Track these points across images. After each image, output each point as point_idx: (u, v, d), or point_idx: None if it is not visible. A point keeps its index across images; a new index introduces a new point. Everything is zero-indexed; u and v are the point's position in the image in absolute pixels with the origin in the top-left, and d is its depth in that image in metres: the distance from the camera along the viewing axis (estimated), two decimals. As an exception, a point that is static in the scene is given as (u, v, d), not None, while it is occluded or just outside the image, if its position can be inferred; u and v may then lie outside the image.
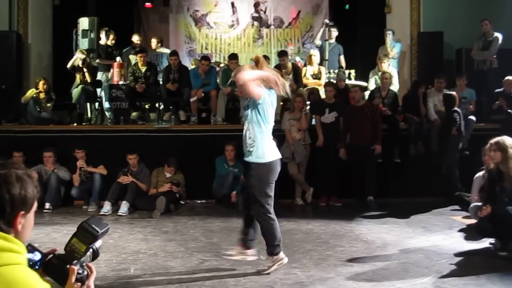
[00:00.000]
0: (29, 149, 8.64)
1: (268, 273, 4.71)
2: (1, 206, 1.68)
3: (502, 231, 5.35)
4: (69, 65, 9.84)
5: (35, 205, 1.78)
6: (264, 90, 4.66)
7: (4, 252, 1.59)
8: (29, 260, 1.76)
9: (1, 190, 1.70)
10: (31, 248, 1.81)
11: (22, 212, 1.72)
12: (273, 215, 4.72)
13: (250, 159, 4.68)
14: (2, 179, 1.72)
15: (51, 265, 1.80)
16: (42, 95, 9.50)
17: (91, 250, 1.86)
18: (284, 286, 4.47)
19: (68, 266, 1.79)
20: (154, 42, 11.52)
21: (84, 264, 1.83)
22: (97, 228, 1.79)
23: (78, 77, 9.89)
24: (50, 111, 9.61)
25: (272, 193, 4.73)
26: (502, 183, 5.42)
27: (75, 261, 1.80)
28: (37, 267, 1.81)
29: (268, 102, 4.68)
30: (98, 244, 1.89)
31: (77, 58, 9.77)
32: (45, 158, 8.41)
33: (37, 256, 1.82)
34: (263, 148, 4.66)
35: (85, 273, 1.81)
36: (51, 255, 1.83)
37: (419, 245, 5.84)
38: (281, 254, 4.79)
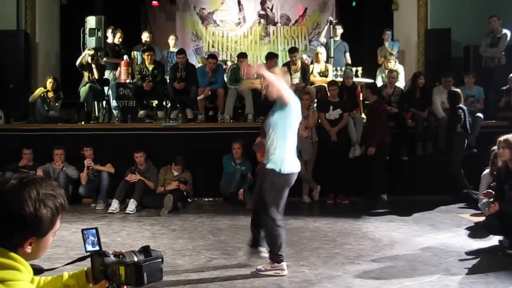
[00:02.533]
0: (37, 147, 8.70)
1: (261, 274, 4.68)
2: (8, 228, 1.60)
3: (510, 229, 5.33)
4: (77, 62, 9.87)
5: (56, 227, 1.70)
6: (293, 95, 4.65)
7: (9, 270, 1.58)
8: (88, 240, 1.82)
9: (13, 211, 1.58)
10: (96, 235, 1.85)
11: (33, 238, 1.64)
12: (279, 223, 4.68)
13: (268, 165, 4.67)
14: (16, 199, 1.59)
15: (94, 262, 1.83)
16: (50, 94, 9.55)
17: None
18: (292, 284, 4.48)
19: (103, 277, 1.81)
20: (172, 40, 11.55)
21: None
22: (145, 279, 1.73)
23: (86, 75, 9.94)
24: (58, 110, 9.65)
25: (281, 203, 4.73)
26: (511, 181, 5.40)
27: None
28: (87, 251, 1.84)
29: (295, 110, 4.67)
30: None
31: (86, 55, 9.81)
32: (56, 155, 8.45)
33: (95, 247, 1.85)
34: (283, 158, 4.63)
35: None
36: (104, 253, 1.83)
37: (427, 243, 5.84)
38: (283, 265, 4.73)
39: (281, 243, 4.69)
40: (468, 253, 5.40)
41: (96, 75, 9.85)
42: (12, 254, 1.61)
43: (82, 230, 1.86)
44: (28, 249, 1.64)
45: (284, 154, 4.64)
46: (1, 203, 1.59)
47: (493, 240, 5.75)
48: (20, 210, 1.58)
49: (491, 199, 5.78)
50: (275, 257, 4.70)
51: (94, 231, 1.85)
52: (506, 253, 5.33)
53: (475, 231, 6.33)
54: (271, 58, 9.87)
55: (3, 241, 1.61)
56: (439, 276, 4.63)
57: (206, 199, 8.86)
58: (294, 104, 4.65)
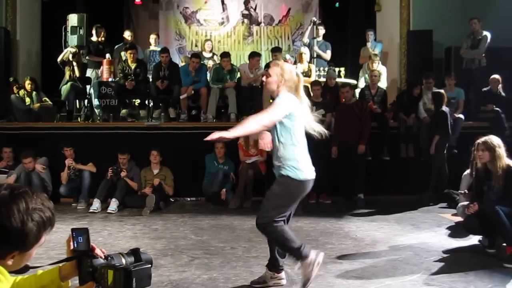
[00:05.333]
0: (18, 146, 8.58)
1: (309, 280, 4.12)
2: None
3: (489, 228, 5.40)
4: (59, 59, 9.78)
5: (41, 241, 1.68)
6: (289, 100, 4.02)
7: None
8: (75, 241, 1.80)
9: None
10: (84, 233, 1.82)
11: (17, 252, 1.63)
12: (280, 223, 4.07)
13: (282, 172, 4.05)
14: (5, 211, 1.57)
15: (83, 263, 1.82)
16: (27, 99, 9.47)
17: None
18: (275, 284, 4.47)
19: (90, 279, 1.80)
20: (153, 38, 11.52)
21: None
22: (134, 284, 1.71)
23: (67, 73, 9.85)
24: (39, 110, 9.54)
25: (288, 211, 4.17)
26: (490, 182, 5.46)
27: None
28: (76, 248, 1.81)
29: (296, 114, 4.02)
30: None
31: (68, 52, 9.73)
32: (25, 164, 8.21)
33: (83, 245, 1.82)
34: (296, 167, 4.02)
35: None
36: (93, 254, 1.81)
37: (408, 243, 5.88)
38: (312, 254, 4.12)
39: (290, 237, 4.08)
40: (448, 252, 5.45)
41: (77, 73, 9.77)
42: None
43: (72, 229, 1.84)
44: (10, 262, 1.63)
45: (295, 163, 4.02)
46: None
47: (473, 239, 5.82)
48: (7, 223, 1.56)
49: (467, 202, 5.85)
50: (298, 252, 4.09)
51: (84, 231, 1.83)
52: (486, 252, 5.40)
53: (456, 231, 6.39)
54: (253, 56, 9.94)
55: None
56: (420, 275, 4.66)
57: (189, 199, 8.84)
58: (289, 114, 3.99)
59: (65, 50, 9.81)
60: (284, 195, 4.09)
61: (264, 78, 4.22)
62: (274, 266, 4.40)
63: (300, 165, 4.05)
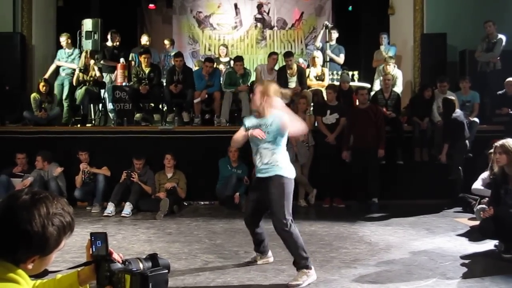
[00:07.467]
0: (33, 150, 8.65)
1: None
2: (13, 244, 1.59)
3: (505, 233, 5.35)
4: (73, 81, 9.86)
5: (61, 245, 1.70)
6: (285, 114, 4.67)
7: (7, 283, 1.59)
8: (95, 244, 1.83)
9: (21, 228, 1.58)
10: (102, 238, 1.85)
11: (37, 256, 1.64)
12: (294, 227, 4.68)
13: (275, 173, 4.62)
14: (26, 215, 1.59)
15: (101, 268, 1.83)
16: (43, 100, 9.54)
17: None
18: (288, 288, 4.47)
19: (108, 283, 1.81)
20: (167, 43, 11.59)
21: None
22: None
23: (80, 75, 9.89)
24: (53, 111, 9.60)
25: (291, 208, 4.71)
26: (507, 185, 5.41)
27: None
28: (94, 253, 1.84)
29: None
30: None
31: (77, 75, 9.79)
32: (36, 162, 8.39)
33: (102, 250, 1.84)
34: (288, 165, 4.71)
35: None
36: (110, 259, 1.83)
37: (423, 247, 5.84)
38: (313, 269, 4.63)
39: (302, 243, 4.67)
40: (464, 257, 5.40)
41: (94, 89, 9.83)
42: (13, 267, 1.61)
43: (91, 234, 1.86)
44: (30, 266, 1.64)
45: (287, 161, 4.72)
46: (10, 218, 1.59)
47: (489, 244, 5.76)
48: (28, 228, 1.58)
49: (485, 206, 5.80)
50: (305, 262, 4.60)
51: (103, 235, 1.85)
52: (502, 257, 5.34)
53: (471, 235, 6.34)
54: (271, 55, 10.06)
55: (6, 255, 1.60)
56: (435, 280, 4.63)
57: (202, 203, 8.85)
58: None
59: (75, 75, 9.86)
60: (286, 194, 4.68)
61: (251, 95, 4.85)
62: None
63: (289, 165, 4.77)
